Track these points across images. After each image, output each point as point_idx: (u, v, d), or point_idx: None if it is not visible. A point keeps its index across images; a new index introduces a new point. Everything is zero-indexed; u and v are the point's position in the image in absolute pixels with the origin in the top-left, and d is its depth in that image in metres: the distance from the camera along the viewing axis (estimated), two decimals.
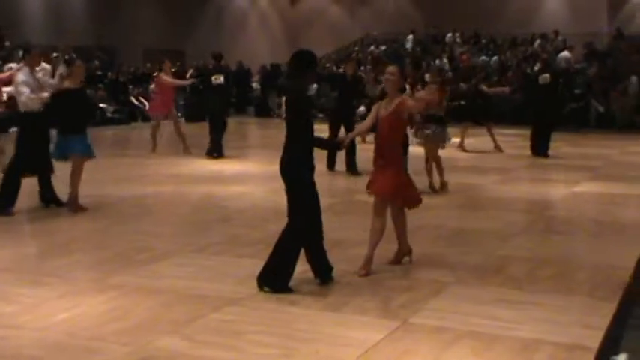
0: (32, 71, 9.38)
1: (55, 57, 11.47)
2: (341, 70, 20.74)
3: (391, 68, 6.65)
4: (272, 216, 8.74)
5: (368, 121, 6.75)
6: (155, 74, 16.85)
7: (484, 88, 16.92)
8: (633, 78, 23.05)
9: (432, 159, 11.06)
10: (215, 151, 14.93)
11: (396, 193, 6.56)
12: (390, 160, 6.52)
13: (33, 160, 9.20)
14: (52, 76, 11.20)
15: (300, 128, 5.92)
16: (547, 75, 15.63)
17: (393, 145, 6.55)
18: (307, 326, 5.20)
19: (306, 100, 6.26)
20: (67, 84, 9.26)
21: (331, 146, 6.98)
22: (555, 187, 11.84)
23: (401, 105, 6.50)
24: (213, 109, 15.10)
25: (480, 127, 16.64)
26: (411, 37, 31.27)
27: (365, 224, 8.80)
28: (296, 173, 5.92)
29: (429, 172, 11.03)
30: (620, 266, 6.85)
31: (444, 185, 11.08)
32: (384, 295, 5.92)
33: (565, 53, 25.69)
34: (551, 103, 15.76)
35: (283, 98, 6.05)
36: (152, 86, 16.23)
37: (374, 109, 6.71)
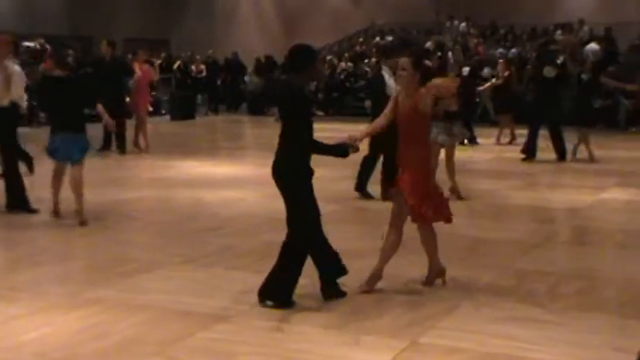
0: None
1: None
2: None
3: (403, 62, 6.47)
4: (267, 224, 8.76)
5: (383, 118, 6.62)
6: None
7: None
8: None
9: (447, 159, 10.87)
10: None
11: (419, 203, 6.33)
12: (412, 163, 6.38)
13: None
14: None
15: (297, 128, 5.94)
16: (551, 67, 15.44)
17: (415, 146, 6.39)
18: (306, 346, 5.20)
19: (305, 97, 6.26)
20: None
21: (340, 152, 6.25)
22: (580, 193, 11.84)
23: (420, 98, 6.30)
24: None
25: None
26: (463, 24, 31.07)
27: (369, 233, 8.82)
28: (292, 177, 5.95)
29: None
30: None
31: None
32: (391, 312, 5.92)
33: (592, 45, 25.67)
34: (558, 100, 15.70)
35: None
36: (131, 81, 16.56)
37: (391, 103, 6.58)
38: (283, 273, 5.99)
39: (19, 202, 9.57)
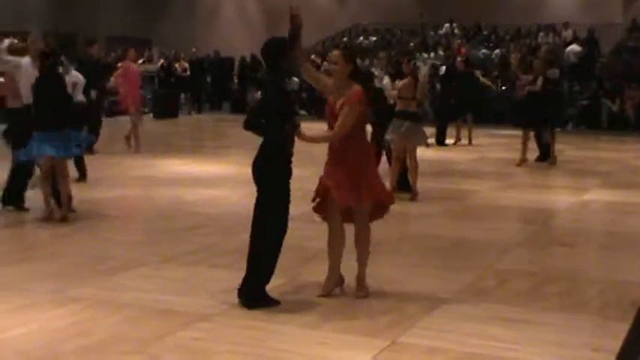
0: None
1: None
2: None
3: (333, 55, 6.32)
4: (249, 223, 8.69)
5: (322, 78, 6.46)
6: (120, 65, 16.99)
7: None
8: None
9: (411, 161, 10.78)
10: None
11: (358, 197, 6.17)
12: (346, 159, 6.14)
13: None
14: None
15: (275, 125, 5.93)
16: (557, 70, 15.62)
17: (347, 140, 6.11)
18: (285, 345, 5.22)
19: (282, 94, 6.11)
20: None
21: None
22: (561, 194, 11.92)
23: (355, 96, 6.07)
24: None
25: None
26: (447, 25, 31.26)
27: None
28: (267, 171, 5.94)
29: (393, 173, 10.77)
30: (635, 282, 6.93)
31: (415, 195, 10.76)
32: (371, 311, 5.94)
33: (574, 46, 25.83)
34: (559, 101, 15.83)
35: (259, 93, 5.91)
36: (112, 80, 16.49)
37: (328, 84, 6.33)
38: (253, 274, 5.98)
39: (14, 198, 9.56)
